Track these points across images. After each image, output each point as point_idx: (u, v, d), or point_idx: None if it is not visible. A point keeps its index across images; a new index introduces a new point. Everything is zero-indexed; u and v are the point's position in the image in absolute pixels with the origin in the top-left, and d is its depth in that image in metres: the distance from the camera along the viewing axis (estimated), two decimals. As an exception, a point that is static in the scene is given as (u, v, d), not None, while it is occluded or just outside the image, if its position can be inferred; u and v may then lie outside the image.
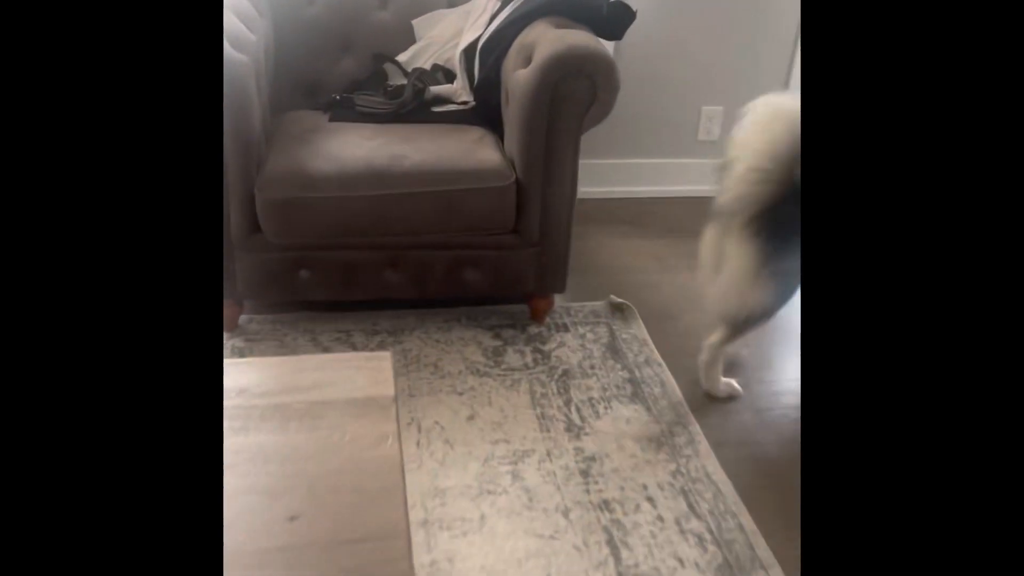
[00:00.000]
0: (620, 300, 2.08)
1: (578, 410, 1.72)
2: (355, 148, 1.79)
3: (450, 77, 2.10)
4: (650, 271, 2.31)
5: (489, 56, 1.93)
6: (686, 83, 2.59)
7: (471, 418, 1.68)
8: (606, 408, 1.73)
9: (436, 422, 1.66)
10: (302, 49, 2.11)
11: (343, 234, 1.75)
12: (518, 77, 1.74)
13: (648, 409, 1.73)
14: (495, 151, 1.82)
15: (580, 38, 1.68)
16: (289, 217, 1.71)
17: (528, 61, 1.72)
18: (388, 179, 1.72)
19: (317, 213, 1.71)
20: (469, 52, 2.01)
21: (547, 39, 1.71)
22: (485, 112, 2.00)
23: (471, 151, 1.81)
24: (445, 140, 1.86)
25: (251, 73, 1.69)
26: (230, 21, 1.72)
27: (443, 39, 2.13)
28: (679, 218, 2.61)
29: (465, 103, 2.06)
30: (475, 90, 2.01)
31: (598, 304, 2.10)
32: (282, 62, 2.10)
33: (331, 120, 1.98)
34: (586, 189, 2.68)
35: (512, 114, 1.79)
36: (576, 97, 1.68)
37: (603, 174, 2.67)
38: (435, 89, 2.05)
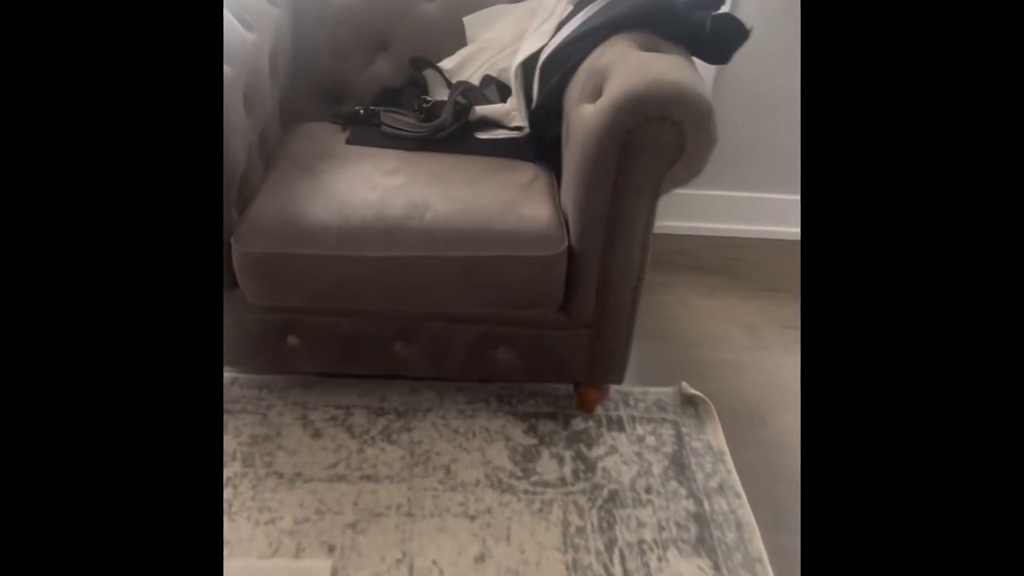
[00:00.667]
0: (694, 391, 1.65)
1: (622, 559, 1.31)
2: (367, 188, 1.40)
3: (504, 93, 1.68)
4: (737, 345, 1.85)
5: (551, 76, 1.50)
6: (793, 105, 2.09)
7: (480, 559, 1.29)
8: (660, 560, 1.31)
9: (434, 562, 1.28)
10: (326, 45, 1.72)
11: (341, 300, 1.37)
12: (582, 114, 1.30)
13: (716, 567, 1.31)
14: (546, 203, 1.40)
15: (669, 68, 1.23)
16: (273, 276, 1.34)
17: (597, 94, 1.28)
18: (401, 238, 1.32)
19: (308, 274, 1.33)
20: (528, 66, 1.57)
21: (625, 66, 1.26)
22: (541, 144, 1.57)
23: (514, 202, 1.39)
24: (485, 182, 1.44)
25: (237, 87, 1.32)
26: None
27: (499, 44, 1.70)
28: (777, 270, 2.13)
29: (519, 129, 1.63)
30: (532, 115, 1.58)
31: (665, 392, 1.67)
32: (302, 60, 1.72)
33: (348, 141, 1.59)
34: (664, 223, 2.22)
35: (571, 160, 1.36)
36: (656, 149, 1.23)
37: (686, 206, 2.21)
38: (482, 110, 1.63)
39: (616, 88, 1.22)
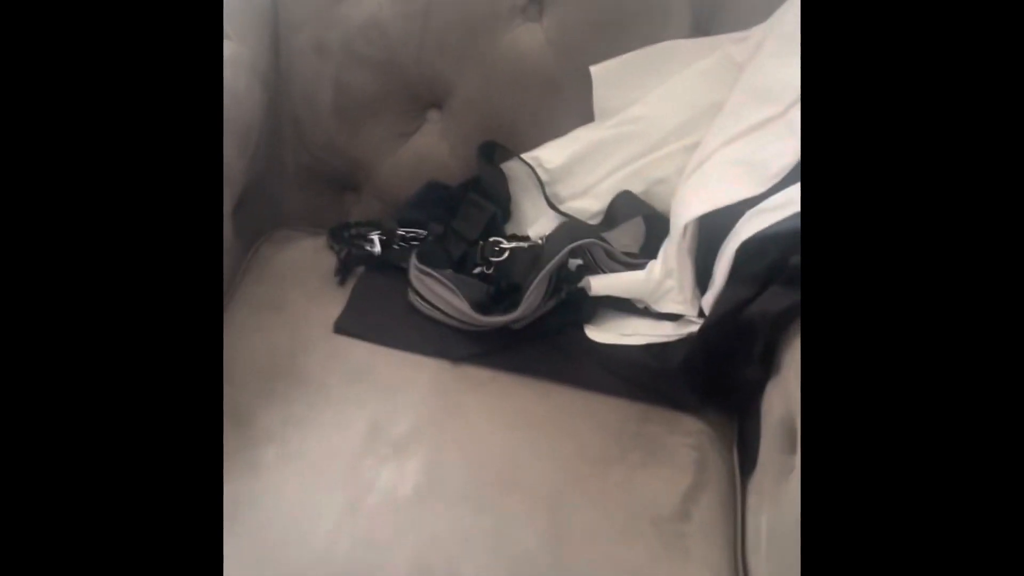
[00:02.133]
0: None
1: None
2: (338, 508, 0.65)
3: (654, 232, 0.86)
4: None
5: (758, 263, 0.68)
6: None
7: None
8: None
9: None
10: (331, 96, 0.92)
11: None
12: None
13: None
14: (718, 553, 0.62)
15: None
16: None
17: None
18: None
19: None
20: (715, 221, 0.74)
21: None
22: (713, 377, 0.76)
23: (654, 556, 0.61)
24: (591, 497, 0.67)
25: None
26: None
27: (659, 130, 0.85)
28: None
29: (673, 318, 0.82)
30: (705, 330, 0.75)
31: None
32: (290, 119, 0.94)
33: (339, 326, 0.82)
34: None
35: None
36: None
37: None
38: (605, 282, 0.82)
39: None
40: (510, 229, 0.93)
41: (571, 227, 0.85)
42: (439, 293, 0.81)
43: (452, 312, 0.80)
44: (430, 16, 0.87)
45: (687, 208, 0.74)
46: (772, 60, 0.76)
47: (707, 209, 0.72)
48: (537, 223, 0.90)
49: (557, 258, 0.78)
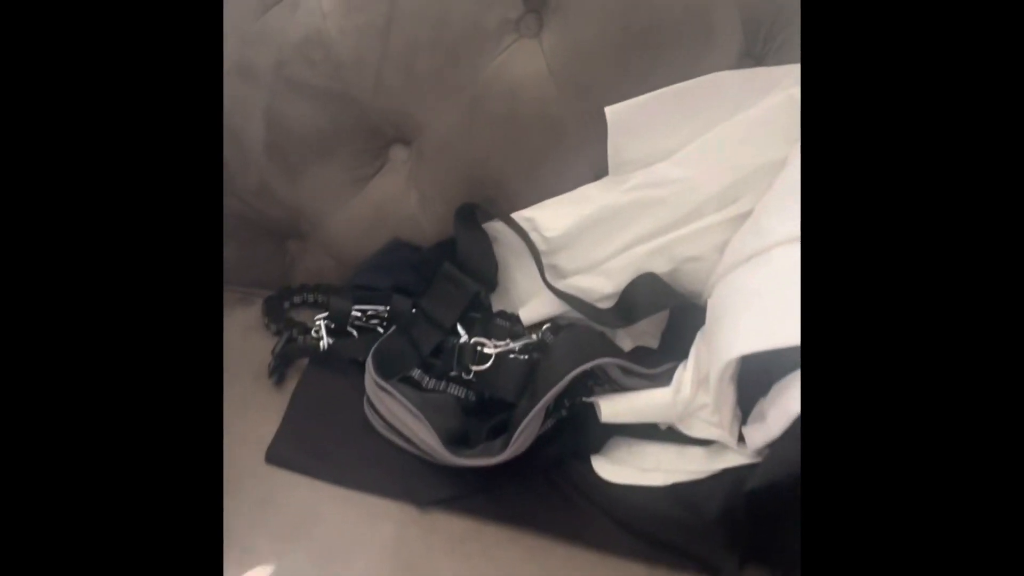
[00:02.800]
0: None
1: None
2: None
3: (677, 334, 0.66)
4: None
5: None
6: None
7: None
8: None
9: None
10: (261, 131, 0.70)
11: None
12: None
13: None
14: None
15: None
16: None
17: None
18: None
19: None
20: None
21: None
22: (758, 536, 0.58)
23: None
24: None
25: None
26: None
27: (696, 195, 0.64)
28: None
29: (707, 444, 0.64)
30: (755, 490, 0.57)
31: None
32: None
33: (271, 454, 0.62)
34: None
35: None
36: None
37: None
38: (621, 408, 0.62)
39: None
40: (497, 303, 0.73)
41: (577, 334, 0.65)
42: (403, 419, 0.61)
43: (419, 444, 0.61)
44: (392, 32, 0.65)
45: (740, 337, 0.54)
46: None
47: (770, 347, 0.53)
48: (531, 303, 0.70)
49: (557, 387, 0.58)
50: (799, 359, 0.54)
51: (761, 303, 0.55)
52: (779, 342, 0.53)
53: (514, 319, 0.71)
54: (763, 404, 0.59)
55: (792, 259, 0.56)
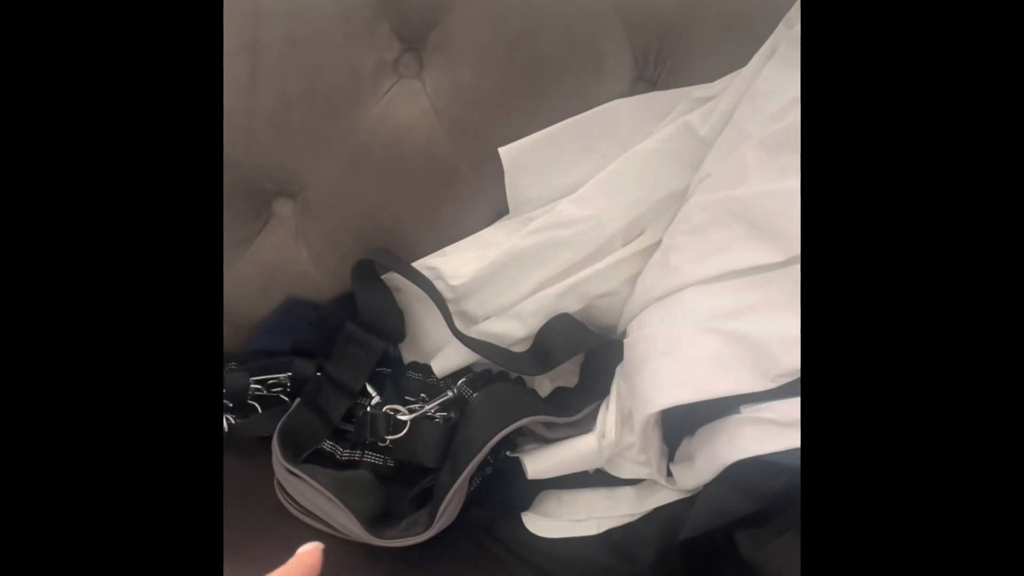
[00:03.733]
0: None
1: None
2: None
3: (593, 379, 0.64)
4: None
5: (764, 483, 0.48)
6: None
7: None
8: None
9: None
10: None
11: None
12: None
13: None
14: None
15: None
16: None
17: None
18: None
19: None
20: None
21: None
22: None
23: None
24: None
25: None
26: None
27: (601, 233, 0.62)
28: None
29: (634, 483, 0.62)
30: (687, 542, 0.56)
31: None
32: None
33: (183, 558, 0.59)
34: None
35: None
36: None
37: None
38: (548, 465, 0.60)
39: None
40: (408, 354, 0.70)
41: (496, 394, 0.62)
42: (317, 503, 0.57)
43: (337, 527, 0.58)
44: (258, 87, 0.59)
45: (662, 390, 0.53)
46: (759, 155, 0.53)
47: (691, 400, 0.51)
48: (443, 353, 0.67)
49: (478, 457, 0.55)
50: (721, 406, 0.53)
51: (682, 352, 0.53)
52: (700, 395, 0.51)
53: (427, 370, 0.68)
54: (690, 445, 0.58)
55: (704, 302, 0.55)
